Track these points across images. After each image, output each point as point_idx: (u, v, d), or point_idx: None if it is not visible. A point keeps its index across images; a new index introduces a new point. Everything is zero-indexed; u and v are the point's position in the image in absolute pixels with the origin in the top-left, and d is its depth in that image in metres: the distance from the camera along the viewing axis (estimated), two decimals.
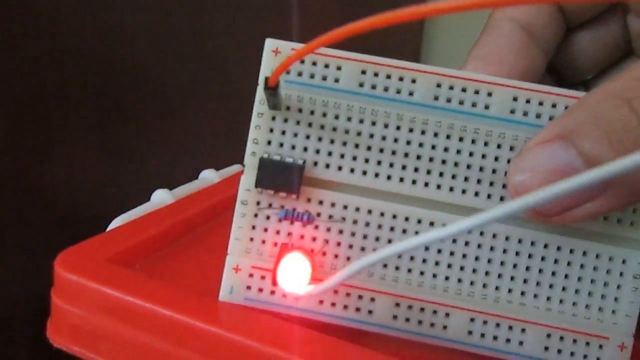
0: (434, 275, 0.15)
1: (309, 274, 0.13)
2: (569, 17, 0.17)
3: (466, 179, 0.14)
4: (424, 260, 0.15)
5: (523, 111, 0.14)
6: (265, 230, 0.15)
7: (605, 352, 0.14)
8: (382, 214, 0.15)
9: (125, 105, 0.30)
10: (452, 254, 0.15)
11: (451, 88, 0.14)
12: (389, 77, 0.15)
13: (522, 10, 0.17)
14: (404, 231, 0.15)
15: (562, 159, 0.12)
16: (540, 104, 0.14)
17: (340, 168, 0.15)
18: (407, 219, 0.15)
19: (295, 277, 0.13)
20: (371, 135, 0.15)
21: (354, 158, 0.15)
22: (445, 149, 0.14)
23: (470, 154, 0.14)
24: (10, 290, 0.27)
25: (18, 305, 0.27)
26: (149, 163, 0.32)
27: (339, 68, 0.15)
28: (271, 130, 0.15)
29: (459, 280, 0.15)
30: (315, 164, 0.15)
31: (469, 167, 0.14)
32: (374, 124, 0.15)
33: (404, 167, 0.15)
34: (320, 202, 0.15)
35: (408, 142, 0.14)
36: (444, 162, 0.14)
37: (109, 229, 0.19)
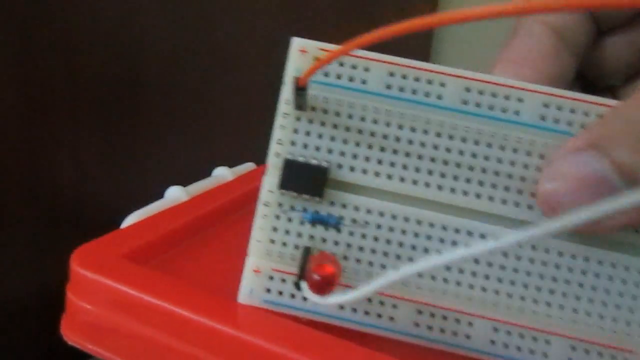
0: (458, 283, 0.14)
1: (336, 283, 0.13)
2: (601, 21, 0.17)
3: (494, 186, 0.14)
4: (448, 268, 0.14)
5: (554, 118, 0.14)
6: (287, 232, 0.14)
7: None
8: (406, 219, 0.14)
9: (138, 102, 0.30)
10: (476, 262, 0.14)
11: (481, 93, 0.14)
12: (417, 79, 0.14)
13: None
14: (429, 237, 0.14)
15: (594, 168, 0.12)
16: (572, 111, 0.14)
17: (365, 171, 0.14)
18: (431, 225, 0.14)
19: (323, 286, 0.13)
20: (397, 139, 0.14)
21: (380, 161, 0.14)
22: (474, 155, 0.14)
23: (499, 161, 0.14)
24: (18, 286, 0.27)
25: (28, 300, 0.27)
26: (161, 160, 0.31)
27: (366, 69, 0.14)
28: (296, 131, 0.14)
29: (483, 289, 0.14)
30: (340, 166, 0.14)
31: (497, 174, 0.14)
32: (400, 127, 0.14)
33: (430, 172, 0.14)
34: (344, 206, 0.14)
35: (435, 147, 0.14)
36: (471, 168, 0.14)
37: (123, 225, 0.19)
